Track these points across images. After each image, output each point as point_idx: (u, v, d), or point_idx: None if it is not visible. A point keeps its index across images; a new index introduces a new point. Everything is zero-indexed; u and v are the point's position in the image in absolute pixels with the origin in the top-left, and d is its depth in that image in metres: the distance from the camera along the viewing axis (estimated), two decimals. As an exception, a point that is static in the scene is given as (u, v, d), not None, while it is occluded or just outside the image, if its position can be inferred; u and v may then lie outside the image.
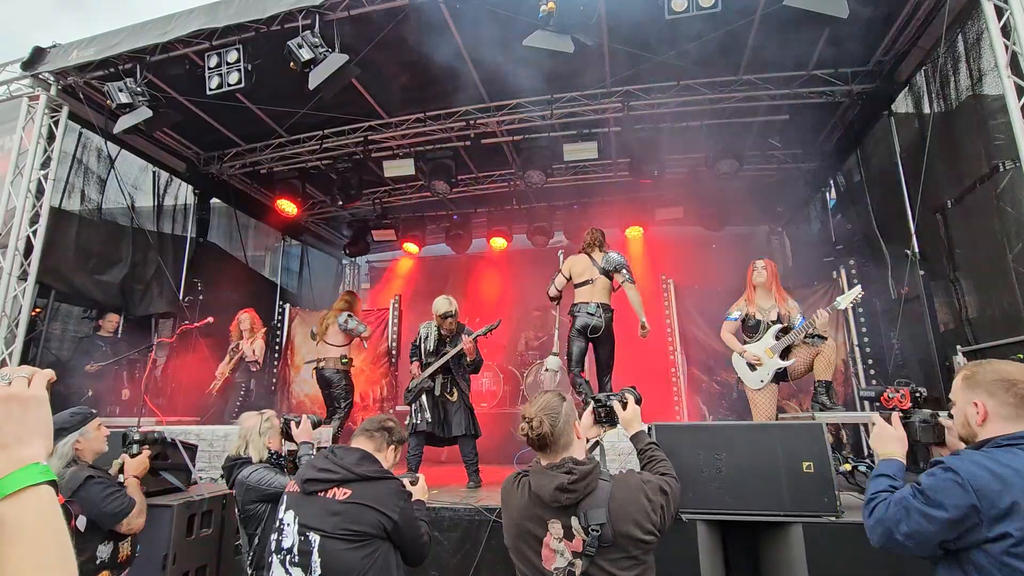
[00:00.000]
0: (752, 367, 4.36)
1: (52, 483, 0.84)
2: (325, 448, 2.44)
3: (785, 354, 4.30)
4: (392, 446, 2.37)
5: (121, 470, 2.91)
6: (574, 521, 1.75)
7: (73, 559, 0.85)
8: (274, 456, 3.05)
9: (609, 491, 1.78)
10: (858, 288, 4.21)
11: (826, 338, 4.30)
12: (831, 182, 7.61)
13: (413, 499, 2.30)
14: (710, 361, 6.27)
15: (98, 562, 2.44)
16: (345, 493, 2.09)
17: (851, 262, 6.25)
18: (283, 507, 2.16)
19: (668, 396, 6.16)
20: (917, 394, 1.79)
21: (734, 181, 7.36)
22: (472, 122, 6.84)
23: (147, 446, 2.95)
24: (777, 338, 4.34)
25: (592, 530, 1.72)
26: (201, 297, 7.25)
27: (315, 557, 2.00)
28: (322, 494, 2.11)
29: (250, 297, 7.60)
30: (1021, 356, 3.93)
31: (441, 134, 7.10)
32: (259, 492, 2.80)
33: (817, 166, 7.60)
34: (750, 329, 4.46)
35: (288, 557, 2.06)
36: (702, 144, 7.08)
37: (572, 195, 8.84)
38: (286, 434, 3.09)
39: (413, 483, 2.43)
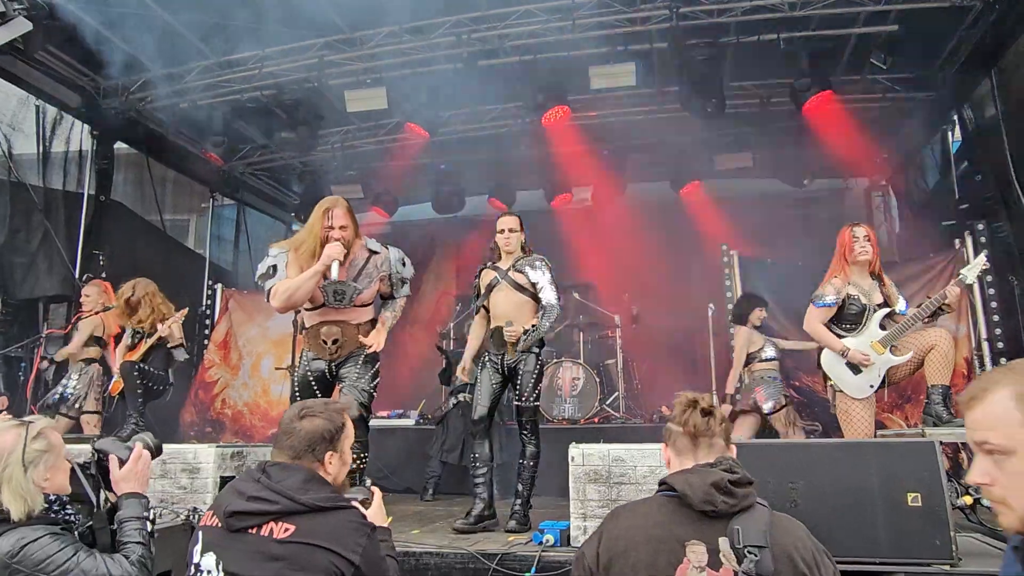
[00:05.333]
0: (856, 369, 4.26)
1: None
2: (254, 469, 2.36)
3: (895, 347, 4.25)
4: (332, 452, 2.21)
5: None
6: (722, 543, 1.77)
7: None
8: (55, 507, 2.41)
9: (768, 515, 1.83)
10: (983, 256, 4.17)
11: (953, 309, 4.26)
12: (955, 118, 7.49)
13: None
14: (785, 359, 6.26)
15: None
16: (287, 530, 2.03)
17: (980, 226, 6.17)
18: (198, 546, 2.14)
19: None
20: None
21: (822, 117, 7.28)
22: (465, 36, 6.78)
23: None
24: (883, 327, 4.26)
25: (749, 551, 1.72)
26: (104, 275, 7.27)
27: None
28: (254, 531, 2.07)
29: (169, 274, 7.63)
30: None
31: (424, 53, 7.03)
32: None
33: (936, 95, 7.49)
34: (849, 317, 4.33)
35: None
36: (779, 66, 7.01)
37: (602, 137, 8.76)
38: (101, 476, 2.58)
39: (366, 503, 2.35)
